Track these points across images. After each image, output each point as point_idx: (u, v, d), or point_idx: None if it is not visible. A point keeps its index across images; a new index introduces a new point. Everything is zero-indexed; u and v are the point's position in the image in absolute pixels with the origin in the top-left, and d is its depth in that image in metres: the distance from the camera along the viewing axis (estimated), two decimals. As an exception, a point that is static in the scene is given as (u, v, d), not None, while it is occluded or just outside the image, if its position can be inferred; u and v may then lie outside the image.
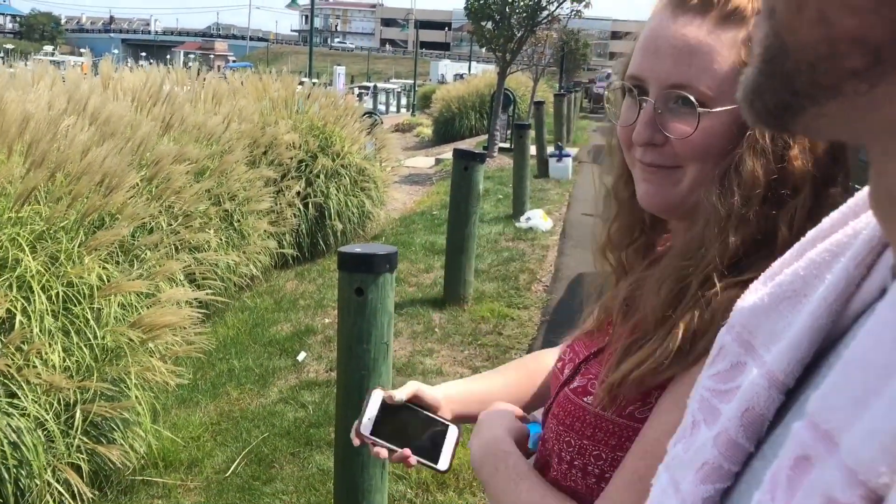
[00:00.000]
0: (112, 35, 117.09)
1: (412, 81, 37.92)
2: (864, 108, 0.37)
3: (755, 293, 0.53)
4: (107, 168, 3.96)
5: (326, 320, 5.88)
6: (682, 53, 0.92)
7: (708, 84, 0.91)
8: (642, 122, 0.96)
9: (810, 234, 0.53)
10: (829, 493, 0.33)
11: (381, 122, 11.83)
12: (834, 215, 0.52)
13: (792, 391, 0.47)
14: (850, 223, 0.50)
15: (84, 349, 3.40)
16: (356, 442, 1.21)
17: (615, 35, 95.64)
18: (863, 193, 0.48)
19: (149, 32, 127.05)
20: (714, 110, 0.92)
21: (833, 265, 0.48)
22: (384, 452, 1.19)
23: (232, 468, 3.85)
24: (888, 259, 0.44)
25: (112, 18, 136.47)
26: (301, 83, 9.27)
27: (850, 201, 0.52)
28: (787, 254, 0.54)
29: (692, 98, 0.92)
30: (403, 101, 37.06)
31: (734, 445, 0.48)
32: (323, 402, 4.52)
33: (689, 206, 0.96)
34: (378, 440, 1.19)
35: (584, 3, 14.55)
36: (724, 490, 0.49)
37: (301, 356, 5.26)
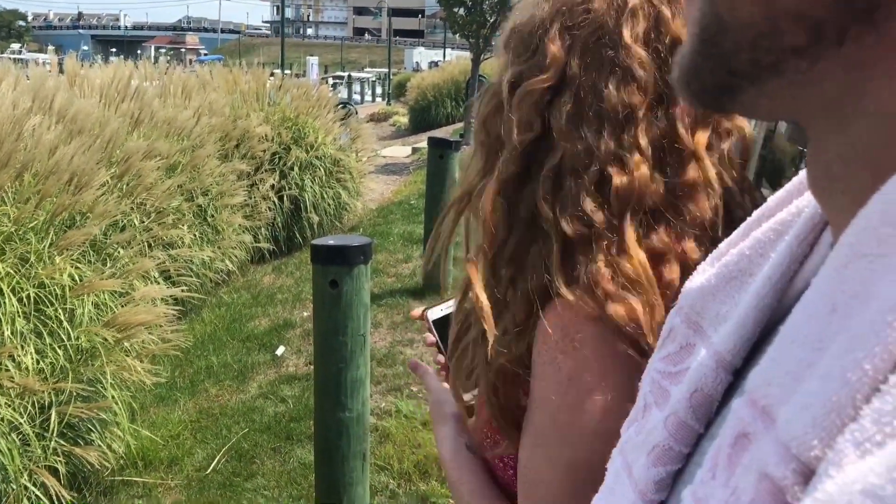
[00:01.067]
0: (81, 31, 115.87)
1: (387, 70, 37.80)
2: (802, 86, 0.37)
3: (703, 274, 0.53)
4: (75, 166, 3.91)
5: (305, 314, 5.86)
6: None
7: None
8: None
9: (756, 213, 0.52)
10: (763, 468, 0.33)
11: (356, 112, 11.79)
12: (779, 194, 0.52)
13: (739, 371, 0.47)
14: (795, 201, 0.49)
15: (58, 350, 3.36)
16: (415, 314, 1.21)
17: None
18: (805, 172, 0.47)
19: (118, 28, 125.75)
20: None
21: (777, 244, 0.48)
22: (431, 339, 1.18)
23: (212, 465, 3.83)
24: (829, 237, 0.44)
25: (80, 14, 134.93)
26: (272, 74, 9.21)
27: (795, 179, 0.51)
28: (735, 233, 0.53)
29: None
30: (378, 90, 36.92)
31: (684, 427, 0.48)
32: (303, 395, 4.51)
33: None
34: (434, 329, 1.16)
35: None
36: (677, 472, 0.49)
37: (279, 350, 5.23)
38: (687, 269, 0.79)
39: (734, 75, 0.39)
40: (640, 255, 0.81)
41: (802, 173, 0.51)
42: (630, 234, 0.81)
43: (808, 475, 0.30)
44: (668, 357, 0.53)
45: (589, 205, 0.82)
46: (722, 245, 0.54)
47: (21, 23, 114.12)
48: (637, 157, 0.83)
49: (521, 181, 0.88)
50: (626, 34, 0.84)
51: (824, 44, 0.35)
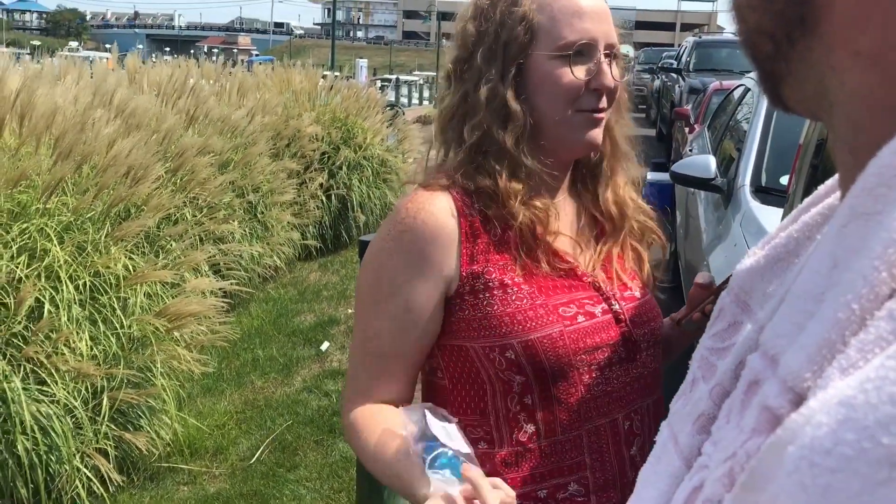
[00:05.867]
0: (137, 31, 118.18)
1: (434, 73, 37.88)
2: (796, 87, 0.44)
3: (753, 256, 0.55)
4: (132, 160, 4.01)
5: (349, 311, 5.93)
6: (610, 18, 1.26)
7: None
8: (612, 73, 1.24)
9: (807, 200, 0.55)
10: (765, 402, 0.37)
11: (404, 114, 11.85)
12: (829, 181, 0.54)
13: None
14: None
15: (111, 338, 3.46)
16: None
17: (639, 25, 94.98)
18: None
19: (173, 27, 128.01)
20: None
21: (823, 227, 0.50)
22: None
23: (256, 455, 3.90)
24: None
25: (136, 14, 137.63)
26: (324, 76, 9.31)
27: None
28: (786, 219, 0.56)
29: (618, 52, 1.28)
30: (426, 93, 37.03)
31: (728, 397, 0.50)
32: (346, 390, 4.56)
33: None
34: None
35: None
36: None
37: (324, 346, 5.31)
38: None
39: (767, 81, 0.46)
40: None
41: None
42: None
43: (801, 404, 0.33)
44: (717, 334, 0.56)
45: None
46: (773, 230, 0.56)
47: (79, 21, 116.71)
48: None
49: None
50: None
51: (783, 49, 0.42)
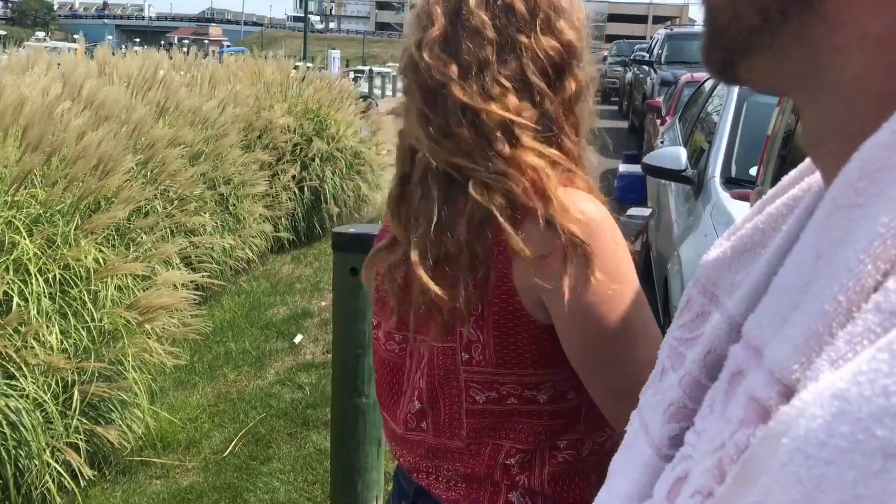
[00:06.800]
0: (106, 21, 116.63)
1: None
2: (774, 61, 0.43)
3: (719, 247, 0.56)
4: (102, 152, 3.97)
5: (323, 303, 5.91)
6: None
7: None
8: None
9: (771, 191, 0.56)
10: (751, 393, 0.37)
11: (377, 106, 11.81)
12: (792, 172, 0.55)
13: None
14: (806, 179, 0.53)
15: (81, 331, 3.43)
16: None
17: (612, 17, 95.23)
18: None
19: (143, 18, 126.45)
20: None
21: (788, 217, 0.51)
22: None
23: (229, 448, 3.89)
24: None
25: (106, 4, 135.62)
26: (296, 67, 9.25)
27: (808, 159, 0.54)
28: (751, 210, 0.57)
29: None
30: (399, 84, 36.91)
31: (697, 385, 0.51)
32: (319, 383, 4.56)
33: None
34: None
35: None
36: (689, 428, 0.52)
37: (298, 339, 5.29)
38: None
39: (727, 51, 0.45)
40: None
41: None
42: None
43: (789, 395, 0.34)
44: (685, 325, 0.57)
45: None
46: (738, 221, 0.57)
47: (46, 11, 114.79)
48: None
49: None
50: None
51: (773, 22, 0.41)
